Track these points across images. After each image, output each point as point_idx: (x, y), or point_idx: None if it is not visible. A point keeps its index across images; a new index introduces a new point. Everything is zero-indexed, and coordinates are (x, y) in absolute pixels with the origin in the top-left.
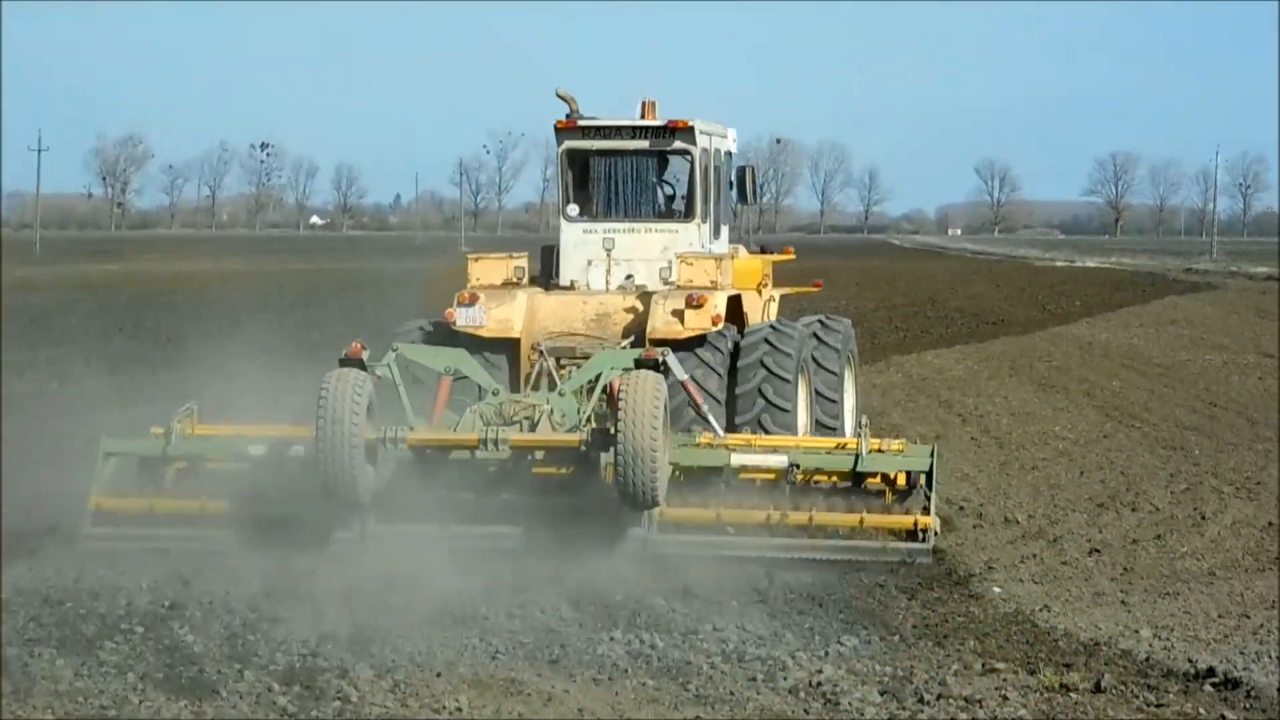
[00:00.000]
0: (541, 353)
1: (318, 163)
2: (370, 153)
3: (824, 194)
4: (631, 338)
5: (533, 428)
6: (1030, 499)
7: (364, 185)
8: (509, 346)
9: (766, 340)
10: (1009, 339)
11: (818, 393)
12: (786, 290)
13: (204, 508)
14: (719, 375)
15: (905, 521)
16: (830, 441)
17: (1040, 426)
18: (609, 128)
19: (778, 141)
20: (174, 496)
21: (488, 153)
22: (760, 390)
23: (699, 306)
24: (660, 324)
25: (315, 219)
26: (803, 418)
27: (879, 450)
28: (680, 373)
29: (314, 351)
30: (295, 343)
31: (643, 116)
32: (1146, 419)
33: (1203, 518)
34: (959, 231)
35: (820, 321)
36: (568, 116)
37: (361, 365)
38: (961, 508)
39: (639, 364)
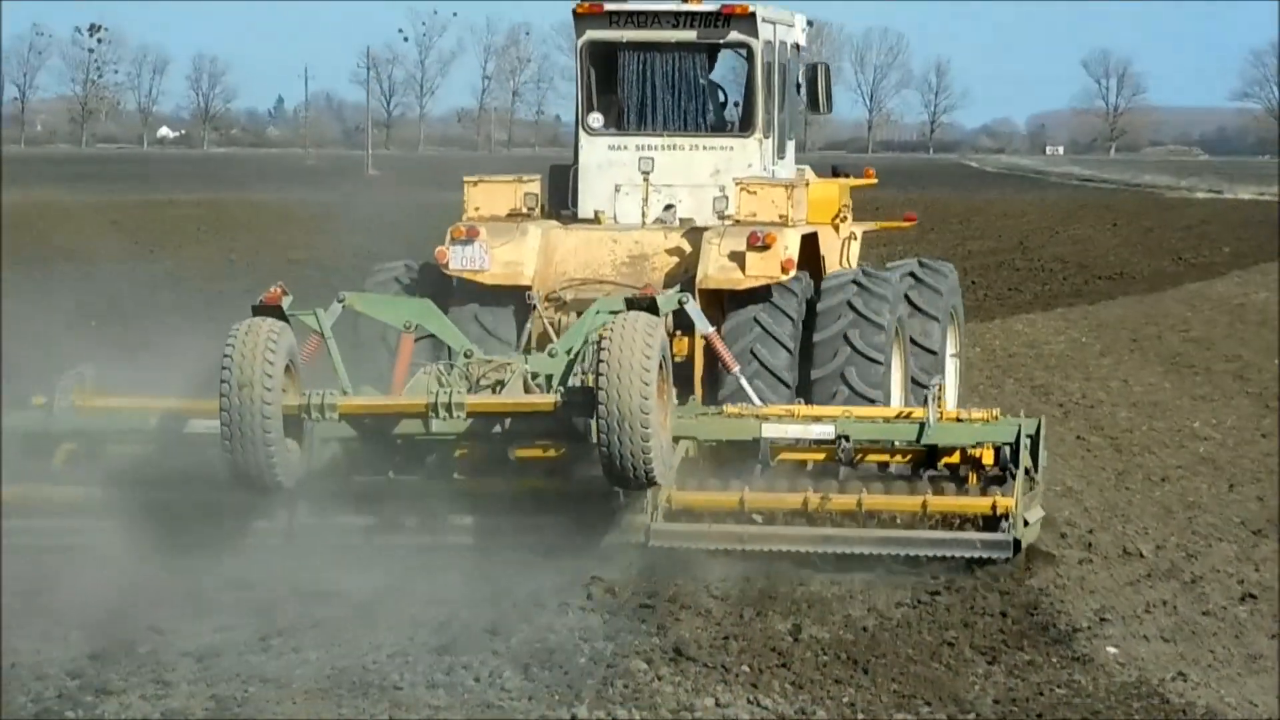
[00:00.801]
0: (560, 304)
1: (168, 53)
2: (241, 40)
3: (873, 98)
4: (676, 286)
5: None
6: (1159, 523)
7: (232, 85)
8: (517, 296)
9: (850, 305)
10: (1129, 300)
11: (913, 341)
12: (869, 225)
13: (87, 497)
14: (790, 334)
15: (981, 505)
16: (888, 410)
17: (1173, 421)
18: (645, 14)
19: (809, 24)
20: (55, 483)
21: (405, 40)
22: (843, 376)
23: (765, 248)
24: (714, 270)
25: (165, 130)
26: (897, 379)
27: (956, 419)
28: (704, 324)
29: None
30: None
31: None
32: None
33: None
34: (1061, 150)
35: (919, 263)
36: None
37: (280, 314)
38: (1063, 535)
39: (630, 305)
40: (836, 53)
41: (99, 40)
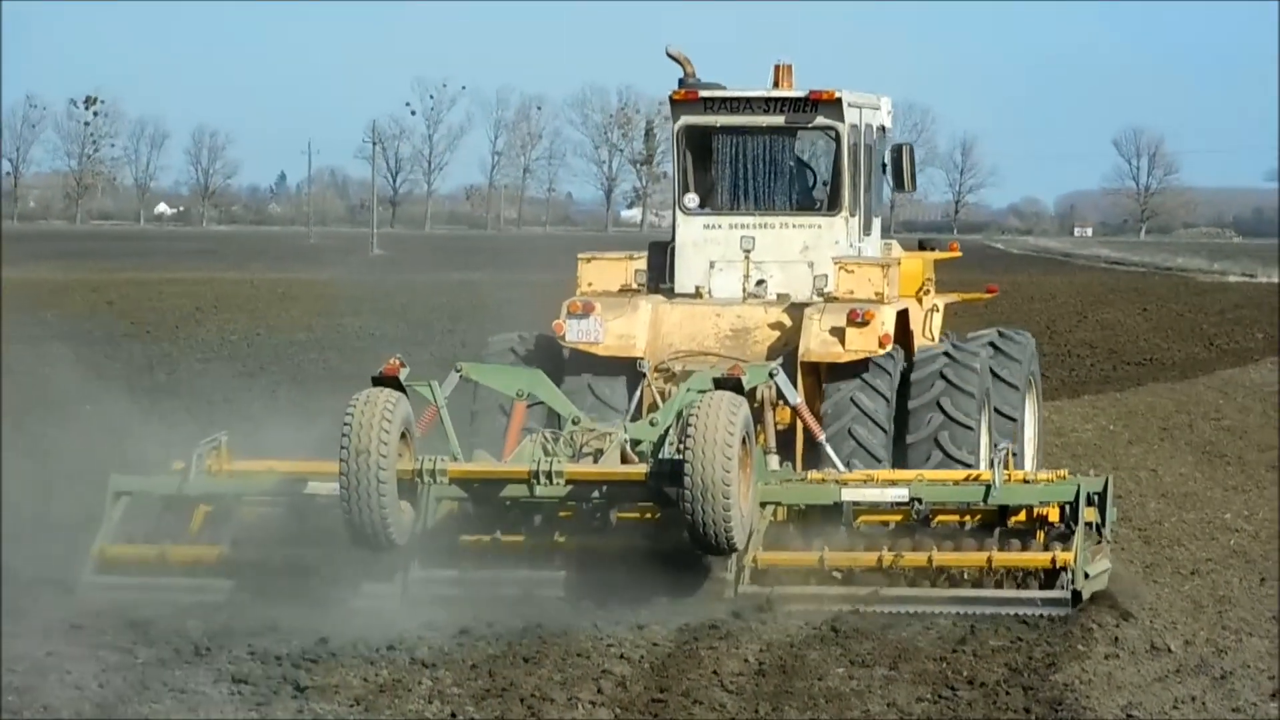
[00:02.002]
0: (668, 375)
1: (167, 127)
2: (243, 113)
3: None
4: (779, 359)
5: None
6: (1189, 617)
7: (233, 160)
8: (629, 367)
9: (944, 376)
10: (1160, 386)
11: (996, 410)
12: (951, 297)
13: (221, 555)
14: (885, 408)
15: (1041, 560)
16: (959, 473)
17: (1204, 513)
18: (737, 99)
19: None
20: (191, 543)
21: (413, 114)
22: (936, 441)
23: (864, 324)
24: (815, 344)
25: (163, 207)
26: (985, 440)
27: (1023, 481)
28: (793, 396)
29: None
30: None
31: (776, 84)
32: None
33: None
34: (1089, 232)
35: (998, 333)
36: (682, 84)
37: (398, 385)
38: (1090, 629)
39: (719, 384)
40: None
41: (95, 113)
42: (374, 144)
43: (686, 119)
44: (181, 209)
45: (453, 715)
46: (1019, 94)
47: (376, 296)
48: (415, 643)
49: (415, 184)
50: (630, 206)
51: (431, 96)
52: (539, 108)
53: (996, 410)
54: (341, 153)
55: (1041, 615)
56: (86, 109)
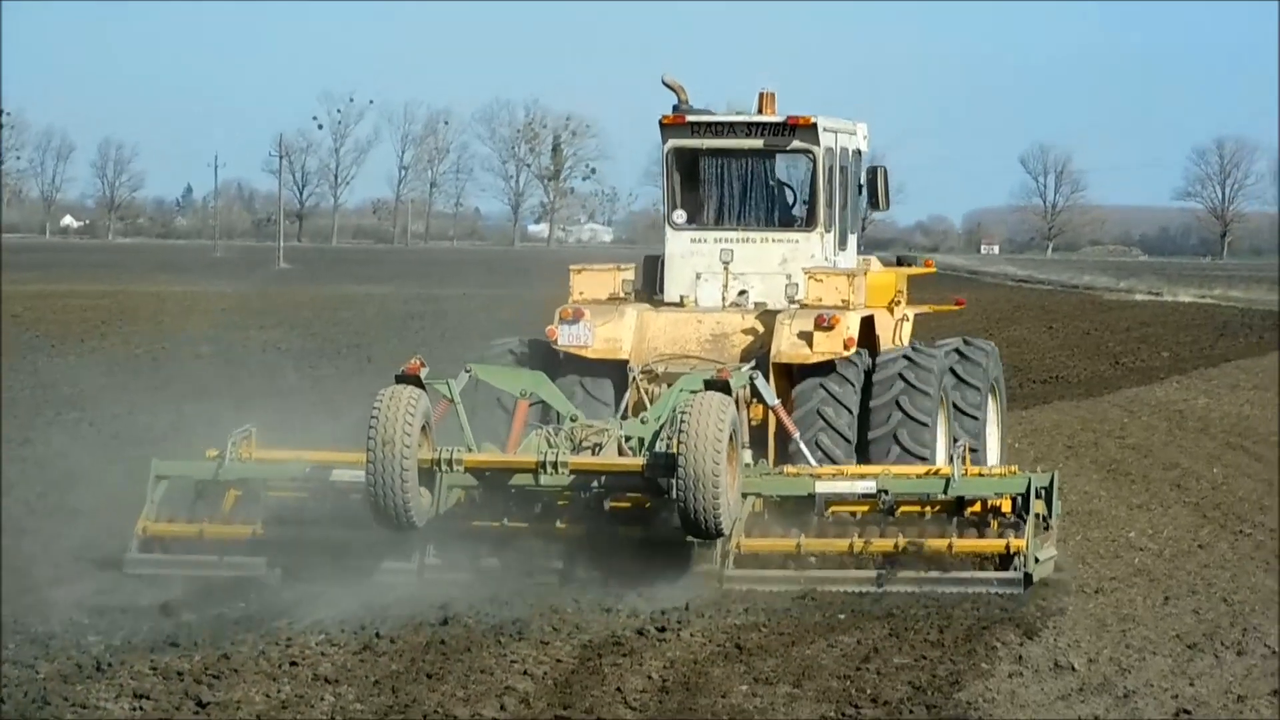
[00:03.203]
0: (652, 376)
1: (73, 139)
2: (149, 126)
3: None
4: (752, 361)
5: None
6: (1093, 636)
7: (139, 172)
8: (616, 368)
9: (902, 376)
10: (1066, 404)
11: (956, 407)
12: (922, 309)
13: (254, 534)
14: (850, 406)
15: (997, 546)
16: (921, 468)
17: (1108, 531)
18: (721, 124)
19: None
20: (225, 522)
21: (320, 127)
22: (895, 437)
23: (830, 328)
24: (786, 346)
25: (69, 219)
26: (942, 439)
27: (979, 474)
28: (771, 397)
29: None
30: None
31: (760, 110)
32: (1261, 523)
33: None
34: (996, 249)
35: (963, 340)
36: (675, 109)
37: (419, 383)
38: (993, 647)
39: (709, 385)
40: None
41: (0, 125)
42: (281, 157)
43: (675, 141)
44: (87, 221)
45: None
46: (925, 110)
47: (282, 310)
48: (317, 659)
49: (322, 197)
50: (537, 221)
51: (338, 110)
52: (446, 122)
53: (959, 409)
54: (248, 166)
55: (996, 594)
56: None
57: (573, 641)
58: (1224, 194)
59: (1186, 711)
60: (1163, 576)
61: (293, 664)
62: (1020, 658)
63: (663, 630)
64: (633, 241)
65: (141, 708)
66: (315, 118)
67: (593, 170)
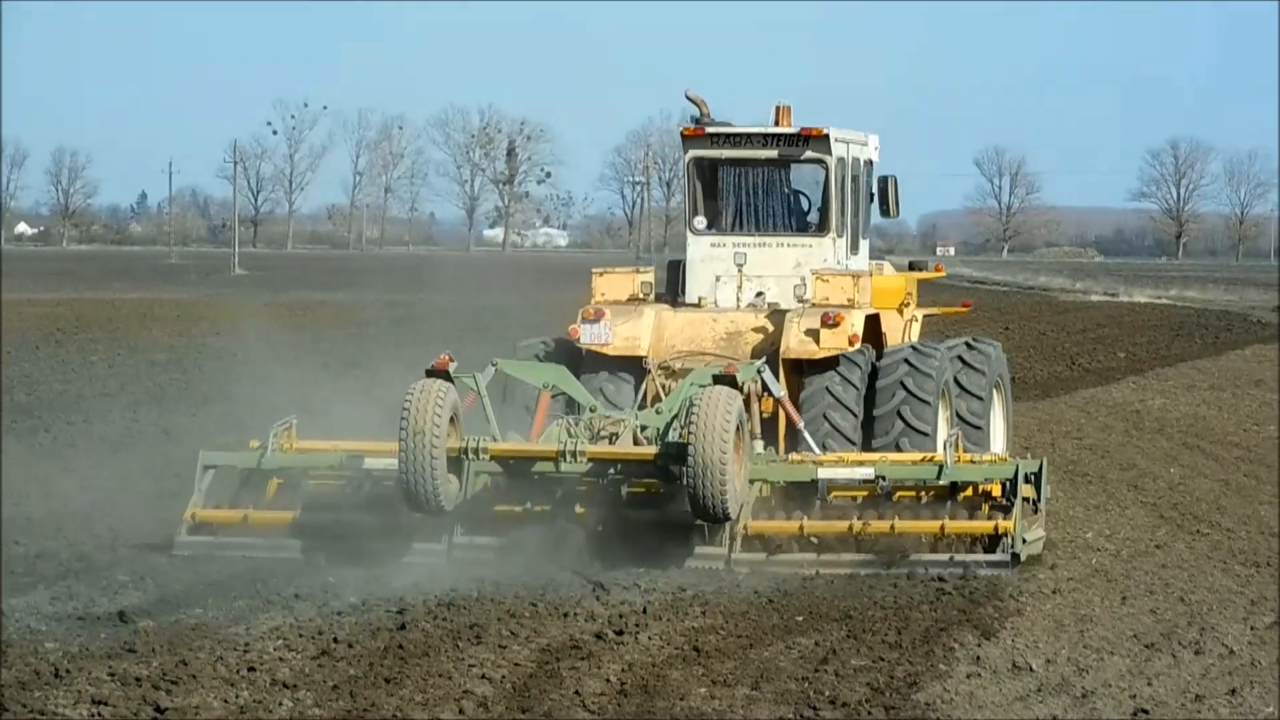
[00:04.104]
0: (669, 372)
1: (27, 146)
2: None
3: None
4: (763, 357)
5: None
6: (1050, 636)
7: (94, 179)
8: (635, 365)
9: (907, 361)
10: (1022, 406)
11: (960, 418)
12: (931, 310)
13: (294, 520)
14: (855, 397)
15: (986, 527)
16: (915, 455)
17: (1065, 531)
18: (738, 135)
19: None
20: (266, 508)
21: (274, 134)
22: (899, 412)
23: (835, 325)
24: (794, 343)
25: (23, 227)
26: (944, 425)
27: (970, 461)
28: (777, 389)
29: None
30: None
31: (776, 122)
32: (1218, 522)
33: None
34: (952, 251)
35: (966, 344)
36: (695, 121)
37: (447, 377)
38: (951, 648)
39: (717, 379)
40: None
41: None
42: (235, 163)
43: (695, 152)
44: (42, 229)
45: None
46: (879, 113)
47: (238, 316)
48: (275, 664)
49: (277, 203)
50: (492, 226)
51: (293, 116)
52: (401, 127)
53: (965, 390)
54: (203, 172)
55: (984, 574)
56: None
57: (530, 645)
58: (1179, 195)
59: (1144, 711)
60: (1120, 577)
61: (251, 669)
62: (978, 659)
63: (620, 633)
64: (588, 245)
65: (100, 714)
66: (270, 123)
67: (548, 174)
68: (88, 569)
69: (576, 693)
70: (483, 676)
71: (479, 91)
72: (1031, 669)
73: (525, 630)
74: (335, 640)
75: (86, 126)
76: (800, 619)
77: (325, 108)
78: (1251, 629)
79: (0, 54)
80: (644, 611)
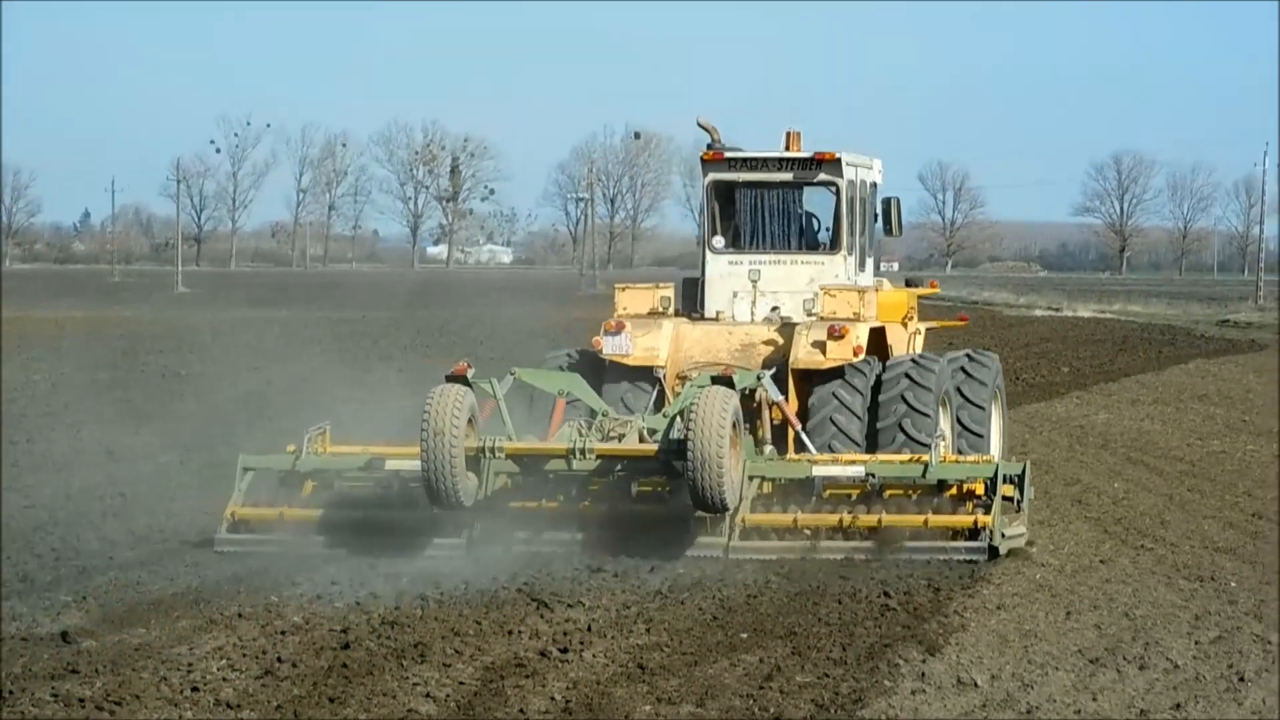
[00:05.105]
0: (685, 381)
1: None
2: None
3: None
4: (773, 367)
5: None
6: (995, 652)
7: (36, 197)
8: (654, 375)
9: (908, 375)
10: None
11: (961, 424)
12: (932, 324)
13: (325, 517)
14: (860, 403)
15: (966, 521)
16: (903, 456)
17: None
18: (755, 159)
19: (636, 136)
20: (300, 507)
21: (217, 151)
22: (900, 425)
23: (840, 337)
24: (802, 354)
25: None
26: (946, 428)
27: (954, 461)
28: (776, 395)
29: None
30: None
31: (787, 147)
32: (1162, 537)
33: (1241, 679)
34: (896, 265)
35: (968, 356)
36: (710, 147)
37: (466, 382)
38: (896, 664)
39: (714, 381)
40: (665, 165)
41: None
42: (178, 181)
43: (714, 175)
44: None
45: None
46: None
47: (181, 334)
48: (219, 684)
49: (220, 221)
50: (436, 243)
51: (236, 134)
52: (344, 144)
53: (968, 399)
54: (146, 190)
55: (962, 561)
56: None
57: (475, 663)
58: (1122, 209)
59: None
60: (1065, 592)
61: (194, 690)
62: (923, 675)
63: (565, 651)
64: (532, 262)
65: None
66: (213, 141)
67: (491, 191)
68: (30, 589)
69: (521, 711)
70: (427, 695)
71: (422, 108)
72: (976, 684)
73: (469, 648)
74: (279, 660)
75: (29, 144)
76: (745, 636)
77: (268, 125)
78: (1196, 643)
79: (0, 53)
80: (588, 629)
